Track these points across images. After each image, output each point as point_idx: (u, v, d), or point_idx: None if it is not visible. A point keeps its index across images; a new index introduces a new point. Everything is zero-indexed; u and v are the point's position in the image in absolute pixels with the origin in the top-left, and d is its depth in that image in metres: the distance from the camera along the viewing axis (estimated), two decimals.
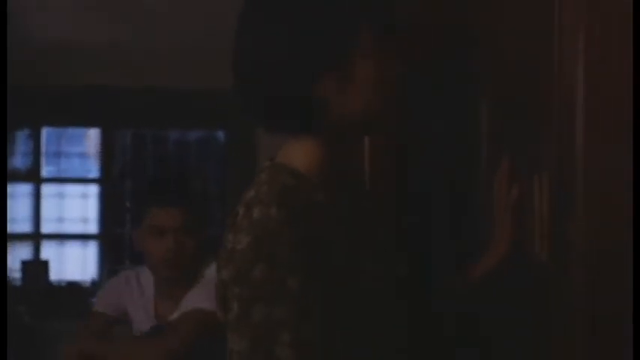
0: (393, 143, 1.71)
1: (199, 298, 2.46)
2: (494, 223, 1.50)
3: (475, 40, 1.66)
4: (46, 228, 5.45)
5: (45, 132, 5.51)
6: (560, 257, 1.28)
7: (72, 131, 5.74)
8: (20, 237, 5.30)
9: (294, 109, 1.32)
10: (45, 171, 5.52)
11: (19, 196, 5.36)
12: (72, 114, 5.35)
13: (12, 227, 5.19)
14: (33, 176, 5.37)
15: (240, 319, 1.23)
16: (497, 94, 1.58)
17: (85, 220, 5.55)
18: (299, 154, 1.35)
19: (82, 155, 5.74)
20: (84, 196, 5.57)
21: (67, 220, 5.56)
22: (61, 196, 5.56)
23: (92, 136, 5.65)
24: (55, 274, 5.30)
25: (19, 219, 5.33)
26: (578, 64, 1.22)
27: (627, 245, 1.14)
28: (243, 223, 1.26)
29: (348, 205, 1.38)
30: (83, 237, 5.57)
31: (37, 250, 5.40)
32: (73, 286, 5.26)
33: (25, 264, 5.12)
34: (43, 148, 5.46)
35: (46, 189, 5.47)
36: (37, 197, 5.39)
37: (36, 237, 5.40)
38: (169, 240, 2.49)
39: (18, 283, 5.06)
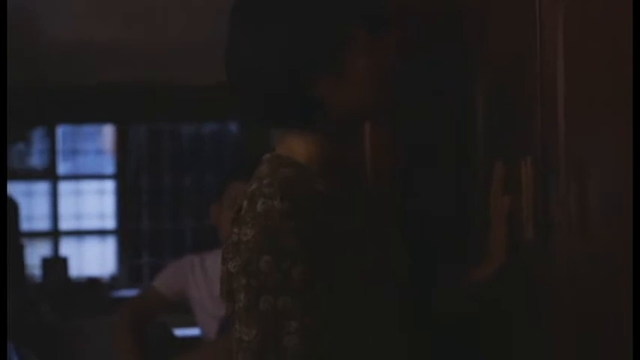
0: (392, 137, 1.73)
1: None
2: (490, 229, 1.51)
3: (462, 32, 1.68)
4: (64, 225, 5.49)
5: (60, 130, 5.55)
6: (545, 237, 1.30)
7: (87, 128, 5.79)
8: (39, 234, 5.36)
9: (290, 107, 1.33)
10: (61, 168, 5.57)
11: (36, 194, 5.42)
12: (87, 111, 5.39)
13: (30, 225, 5.25)
14: (50, 174, 5.42)
15: (248, 309, 1.25)
16: (488, 86, 1.60)
17: (102, 216, 5.60)
18: (299, 146, 1.37)
19: (98, 152, 5.79)
20: (101, 192, 5.62)
21: (84, 217, 5.61)
22: (78, 192, 5.62)
23: (107, 132, 5.70)
24: (74, 270, 5.35)
25: (37, 217, 5.39)
26: (558, 56, 1.24)
27: (609, 224, 1.16)
28: (247, 216, 1.28)
29: (349, 194, 1.40)
30: (101, 233, 5.62)
31: (56, 247, 5.45)
32: (92, 282, 5.31)
33: (44, 261, 5.17)
34: (59, 146, 5.51)
35: (63, 186, 5.52)
36: (54, 195, 5.44)
37: (54, 234, 5.45)
38: None
39: (38, 280, 5.11)
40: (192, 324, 2.89)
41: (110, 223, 5.56)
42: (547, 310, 1.33)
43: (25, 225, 4.81)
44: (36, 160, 5.41)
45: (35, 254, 5.18)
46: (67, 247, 5.49)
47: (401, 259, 1.44)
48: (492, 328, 1.58)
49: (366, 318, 1.33)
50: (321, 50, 1.31)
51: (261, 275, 1.25)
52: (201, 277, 2.71)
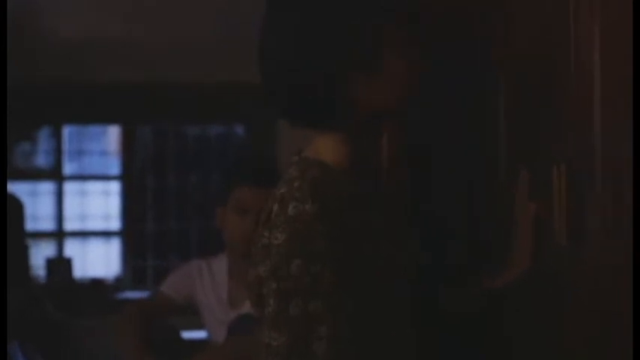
0: (409, 136, 1.72)
1: None
2: (513, 235, 1.49)
3: (489, 28, 1.66)
4: (69, 225, 5.48)
5: (66, 130, 5.54)
6: (580, 245, 1.28)
7: (93, 129, 5.78)
8: (44, 235, 5.34)
9: (320, 106, 1.33)
10: (67, 169, 5.56)
11: (41, 194, 5.41)
12: (92, 112, 5.37)
13: (35, 225, 5.23)
14: (55, 174, 5.41)
15: (278, 314, 1.25)
16: (513, 87, 1.57)
17: (107, 217, 5.59)
18: (327, 147, 1.36)
19: (104, 152, 5.77)
20: (106, 193, 5.60)
21: (89, 218, 5.60)
22: (83, 193, 5.60)
23: (113, 133, 5.69)
24: (78, 271, 5.33)
25: (42, 217, 5.37)
26: (594, 53, 1.21)
27: None
28: (278, 220, 1.27)
29: (370, 194, 1.39)
30: (106, 234, 5.60)
31: (60, 247, 5.44)
32: (96, 283, 5.29)
33: (49, 261, 5.15)
34: (65, 146, 5.49)
35: (69, 187, 5.50)
36: (59, 195, 5.43)
37: (59, 235, 5.43)
38: (252, 220, 2.50)
39: (43, 280, 5.09)
40: (200, 326, 2.88)
41: (115, 224, 5.54)
42: (577, 315, 1.31)
43: (29, 225, 4.78)
44: (41, 160, 5.39)
45: (40, 255, 5.16)
46: (71, 248, 5.47)
47: (412, 258, 1.42)
48: (511, 331, 1.56)
49: (381, 317, 1.33)
50: (357, 49, 1.30)
51: (291, 279, 1.24)
52: (209, 282, 2.70)
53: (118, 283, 5.40)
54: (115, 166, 5.60)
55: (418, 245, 1.47)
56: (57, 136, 5.41)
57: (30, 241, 4.73)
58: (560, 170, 1.32)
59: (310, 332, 1.23)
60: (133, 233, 5.51)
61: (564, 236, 1.31)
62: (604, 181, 1.20)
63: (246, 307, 2.63)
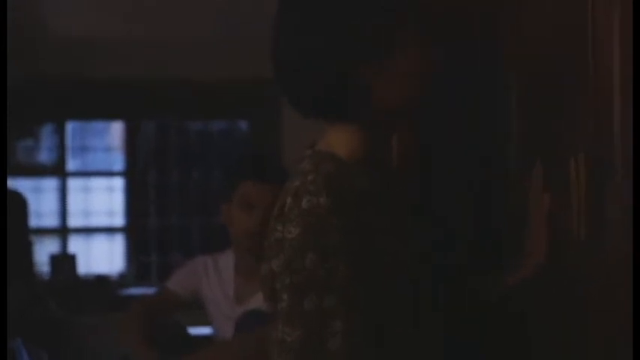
0: (419, 134, 1.71)
1: None
2: (527, 229, 1.48)
3: (500, 21, 1.64)
4: (72, 222, 5.47)
5: (70, 126, 5.52)
6: (599, 236, 1.26)
7: (96, 125, 5.76)
8: (48, 231, 5.33)
9: (335, 98, 1.32)
10: (70, 165, 5.54)
11: (45, 190, 5.39)
12: (96, 108, 5.36)
13: (39, 222, 5.22)
14: (58, 170, 5.40)
15: (292, 308, 1.24)
16: (527, 79, 1.56)
17: (111, 213, 5.58)
18: (340, 141, 1.35)
19: (107, 148, 5.76)
20: (110, 189, 5.59)
21: (93, 214, 5.59)
22: (86, 189, 5.59)
23: (116, 129, 5.67)
24: (82, 268, 5.32)
25: (46, 213, 5.36)
26: (614, 41, 1.20)
27: None
28: (292, 213, 1.27)
29: (382, 189, 1.38)
30: (110, 230, 5.59)
31: (64, 244, 5.43)
32: (101, 279, 5.28)
33: (53, 258, 5.14)
34: (68, 143, 5.48)
35: (72, 183, 5.49)
36: (63, 191, 5.41)
37: (63, 231, 5.42)
38: (257, 215, 2.51)
39: (47, 277, 5.08)
40: (206, 322, 2.87)
41: (119, 220, 5.53)
42: (595, 308, 1.29)
43: (33, 222, 4.77)
44: (45, 157, 5.38)
45: (43, 251, 5.15)
46: (75, 245, 5.46)
47: (424, 255, 1.41)
48: (528, 327, 1.55)
49: (394, 311, 1.32)
50: (368, 42, 1.30)
51: (306, 273, 1.23)
52: (215, 278, 2.70)
53: (122, 280, 5.39)
54: (118, 162, 5.59)
55: (430, 241, 1.45)
56: (60, 133, 5.39)
57: (34, 238, 4.72)
58: (578, 161, 1.31)
59: (325, 327, 1.22)
60: (136, 229, 5.50)
61: (583, 228, 1.29)
62: (624, 170, 1.19)
63: (253, 303, 2.62)
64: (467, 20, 1.63)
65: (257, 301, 2.60)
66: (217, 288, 2.69)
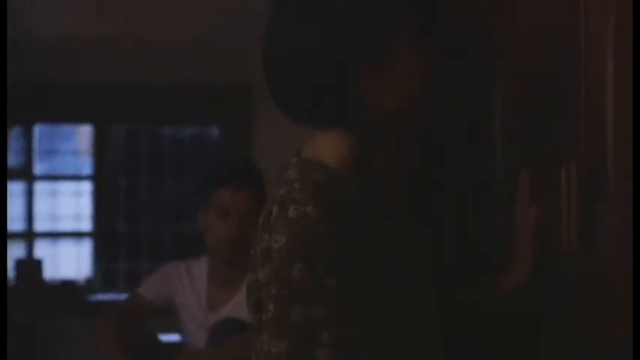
0: (410, 140, 1.69)
1: None
2: (515, 240, 1.47)
3: (488, 28, 1.63)
4: (39, 226, 5.40)
5: (37, 129, 5.46)
6: (591, 244, 1.25)
7: (64, 128, 5.70)
8: (13, 236, 5.26)
9: (329, 102, 1.29)
10: (38, 168, 5.48)
11: (11, 194, 5.32)
12: (64, 111, 5.30)
13: None
14: (25, 174, 5.33)
15: (278, 320, 1.21)
16: (514, 86, 1.55)
17: (78, 218, 5.52)
18: (328, 148, 1.33)
19: (75, 152, 5.70)
20: (77, 193, 5.53)
21: (60, 218, 5.52)
22: (54, 193, 5.52)
23: (85, 132, 5.61)
24: (49, 273, 5.26)
25: (12, 217, 5.28)
26: (607, 48, 1.19)
27: None
28: (278, 222, 1.24)
29: (378, 199, 1.36)
30: (77, 235, 5.53)
31: (30, 248, 5.36)
32: (67, 285, 5.22)
33: (18, 263, 5.07)
34: (36, 146, 5.42)
35: (39, 187, 5.43)
36: (29, 195, 5.35)
37: (29, 235, 5.35)
38: (234, 221, 2.50)
39: (12, 282, 5.02)
40: (178, 329, 2.83)
41: (86, 225, 5.47)
42: (588, 316, 1.28)
43: None
44: (11, 160, 5.31)
45: (9, 256, 5.08)
46: (41, 249, 5.39)
47: (416, 262, 1.40)
48: (518, 335, 1.54)
49: (388, 321, 1.29)
50: (364, 47, 1.27)
51: (293, 284, 1.20)
52: (188, 285, 2.67)
53: (89, 285, 5.34)
54: (86, 167, 5.53)
55: (421, 249, 1.44)
56: (27, 136, 5.33)
57: None
58: (569, 170, 1.30)
59: (312, 338, 1.19)
60: (104, 235, 5.44)
61: (575, 236, 1.29)
62: (617, 178, 1.18)
63: (226, 311, 2.60)
64: (461, 23, 1.63)
65: (230, 309, 2.58)
66: (190, 295, 2.66)
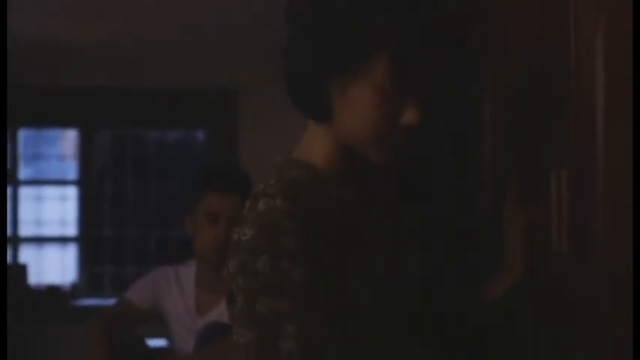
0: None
1: None
2: (504, 244, 1.48)
3: (476, 33, 1.64)
4: (24, 231, 5.38)
5: (22, 134, 5.44)
6: (581, 250, 1.26)
7: (50, 133, 5.68)
8: None
9: (311, 96, 1.31)
10: (22, 173, 5.46)
11: None
12: (49, 115, 5.29)
13: None
14: (10, 178, 5.30)
15: (245, 311, 1.22)
16: (504, 92, 1.56)
17: (63, 223, 5.49)
18: (315, 147, 1.35)
19: (60, 157, 5.68)
20: (62, 198, 5.50)
21: (45, 223, 5.50)
22: (39, 198, 5.50)
23: (70, 137, 5.60)
24: (34, 278, 5.24)
25: None
26: (597, 56, 1.20)
27: None
28: (248, 216, 1.26)
29: (360, 197, 1.36)
30: (62, 240, 5.51)
31: (15, 253, 5.34)
32: (52, 290, 5.20)
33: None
34: (21, 150, 5.40)
35: (24, 191, 5.40)
36: (14, 200, 5.33)
37: (14, 240, 5.33)
38: (222, 226, 2.51)
39: None
40: (164, 334, 2.83)
41: (71, 230, 5.45)
42: (580, 320, 1.29)
43: None
44: None
45: None
46: (26, 254, 5.37)
47: (401, 263, 1.40)
48: (508, 340, 1.54)
49: (370, 322, 1.30)
50: (346, 54, 1.27)
51: (258, 276, 1.21)
52: (176, 290, 2.67)
53: (75, 290, 5.32)
54: (72, 171, 5.51)
55: (407, 250, 1.44)
56: (12, 140, 5.31)
57: None
58: (559, 176, 1.31)
59: (276, 330, 1.20)
60: (90, 239, 5.43)
61: (565, 242, 1.29)
62: (606, 184, 1.19)
63: (214, 315, 2.60)
64: (448, 33, 1.63)
65: (217, 314, 2.58)
66: (178, 300, 2.67)
